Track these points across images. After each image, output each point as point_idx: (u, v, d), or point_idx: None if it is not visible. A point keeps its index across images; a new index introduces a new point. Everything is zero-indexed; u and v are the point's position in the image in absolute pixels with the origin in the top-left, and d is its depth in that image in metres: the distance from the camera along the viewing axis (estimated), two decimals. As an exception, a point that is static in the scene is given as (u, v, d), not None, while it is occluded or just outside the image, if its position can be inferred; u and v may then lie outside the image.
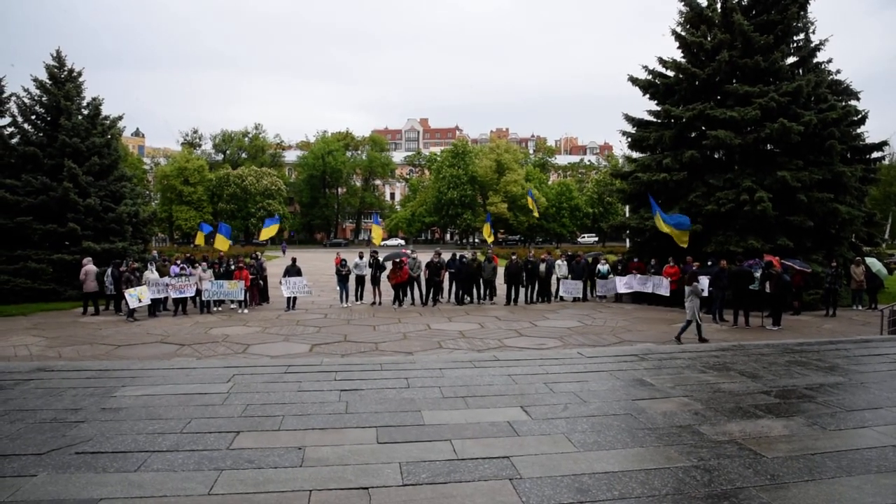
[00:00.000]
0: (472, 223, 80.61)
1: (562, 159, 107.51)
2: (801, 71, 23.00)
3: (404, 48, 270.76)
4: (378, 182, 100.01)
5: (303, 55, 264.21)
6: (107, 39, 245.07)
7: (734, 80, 22.01)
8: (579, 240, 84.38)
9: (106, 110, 25.19)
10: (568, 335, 14.71)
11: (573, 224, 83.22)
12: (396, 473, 5.53)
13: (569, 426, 6.97)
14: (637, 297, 21.24)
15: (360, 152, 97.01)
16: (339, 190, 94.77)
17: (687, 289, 13.91)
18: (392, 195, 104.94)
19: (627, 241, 68.65)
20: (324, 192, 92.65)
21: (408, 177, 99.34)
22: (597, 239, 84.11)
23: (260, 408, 7.78)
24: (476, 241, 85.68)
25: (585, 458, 5.93)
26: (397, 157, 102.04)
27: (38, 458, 5.94)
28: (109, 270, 18.45)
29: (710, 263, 19.00)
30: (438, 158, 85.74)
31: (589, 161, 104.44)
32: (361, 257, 20.85)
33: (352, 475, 5.49)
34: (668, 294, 19.73)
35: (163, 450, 6.20)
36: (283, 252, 58.26)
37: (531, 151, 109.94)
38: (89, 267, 18.63)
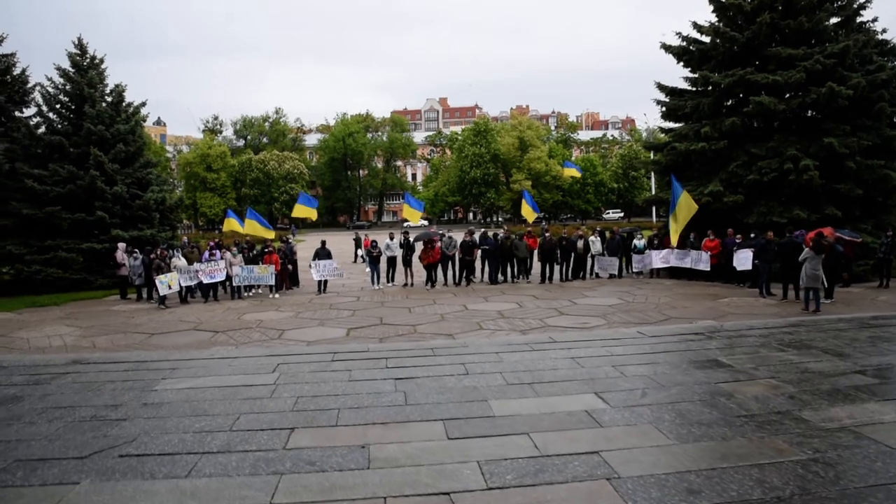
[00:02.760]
0: (496, 202, 79.85)
1: (584, 135, 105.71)
2: (843, 32, 21.84)
3: (420, 28, 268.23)
4: (399, 163, 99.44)
5: (319, 38, 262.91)
6: (126, 30, 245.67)
7: (773, 44, 21.00)
8: (604, 216, 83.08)
9: (128, 99, 24.91)
10: (611, 313, 14.11)
11: (598, 200, 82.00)
12: (477, 474, 4.97)
13: (654, 414, 6.35)
14: (675, 273, 20.55)
15: (380, 133, 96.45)
16: (361, 172, 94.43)
17: (813, 257, 13.41)
18: (413, 176, 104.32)
19: (654, 216, 67.81)
20: (345, 175, 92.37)
21: (429, 157, 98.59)
22: (622, 214, 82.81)
23: (312, 400, 7.29)
24: (500, 220, 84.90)
25: (684, 451, 5.32)
26: (418, 137, 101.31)
27: (80, 462, 5.49)
28: (131, 259, 18.21)
29: (752, 235, 18.22)
30: (460, 137, 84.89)
31: (612, 136, 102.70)
32: (392, 238, 20.40)
33: (427, 478, 4.93)
34: (708, 269, 19.03)
35: (213, 451, 5.70)
36: (293, 234, 57.74)
37: (553, 128, 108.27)
38: (117, 253, 18.82)
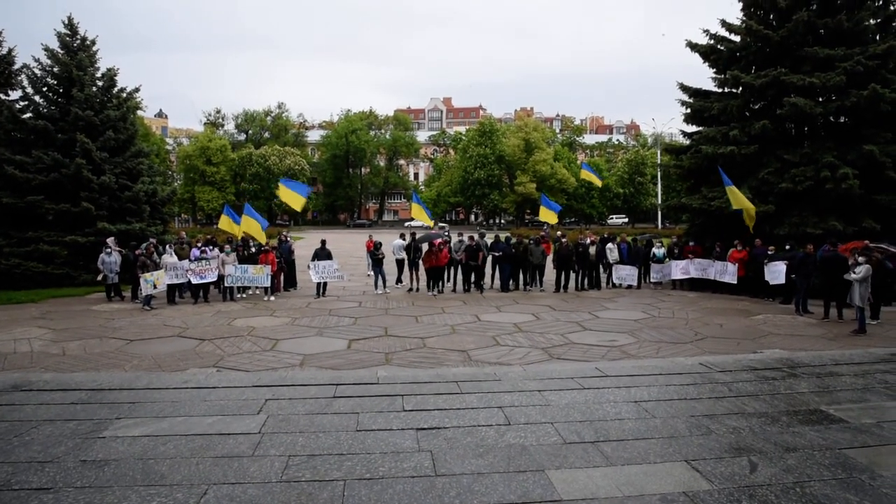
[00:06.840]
0: (500, 204, 78.54)
1: (589, 139, 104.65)
2: (878, 36, 20.54)
3: (426, 27, 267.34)
4: (402, 162, 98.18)
5: (323, 35, 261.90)
6: (132, 21, 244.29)
7: (808, 44, 19.68)
8: (608, 221, 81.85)
9: (122, 86, 23.53)
10: (638, 329, 12.92)
11: (603, 205, 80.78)
12: None
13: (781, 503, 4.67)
14: (697, 284, 19.34)
15: (383, 131, 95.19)
16: (363, 170, 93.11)
17: (863, 271, 12.43)
18: (416, 175, 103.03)
19: (659, 222, 66.28)
20: (347, 172, 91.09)
21: (432, 156, 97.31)
22: (626, 220, 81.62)
23: (307, 463, 5.65)
24: (502, 222, 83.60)
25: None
26: (421, 136, 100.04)
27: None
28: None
29: (787, 248, 16.94)
30: (464, 137, 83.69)
31: (617, 140, 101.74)
32: (404, 238, 19.14)
33: None
34: (734, 282, 17.87)
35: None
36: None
37: (557, 130, 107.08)
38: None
